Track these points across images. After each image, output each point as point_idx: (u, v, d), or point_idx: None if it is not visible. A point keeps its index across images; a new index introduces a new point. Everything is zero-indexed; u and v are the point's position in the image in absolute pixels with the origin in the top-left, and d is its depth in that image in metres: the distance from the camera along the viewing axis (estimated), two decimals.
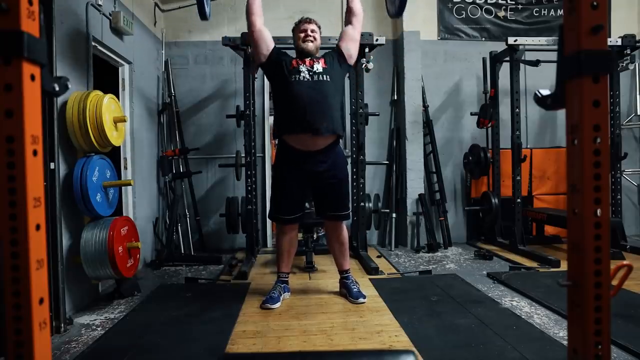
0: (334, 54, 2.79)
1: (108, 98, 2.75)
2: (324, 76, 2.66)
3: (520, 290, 2.95)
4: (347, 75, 2.90)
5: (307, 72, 2.65)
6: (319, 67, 2.68)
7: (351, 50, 2.80)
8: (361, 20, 2.82)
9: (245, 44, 3.74)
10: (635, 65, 4.97)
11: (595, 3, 0.92)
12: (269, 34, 2.75)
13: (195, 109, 4.87)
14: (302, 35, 2.77)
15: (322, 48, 2.92)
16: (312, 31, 2.77)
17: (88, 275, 2.70)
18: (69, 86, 1.00)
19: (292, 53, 2.84)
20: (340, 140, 2.81)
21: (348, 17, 2.84)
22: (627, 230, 4.49)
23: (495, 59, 4.58)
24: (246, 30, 3.14)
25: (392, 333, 2.24)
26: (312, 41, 2.76)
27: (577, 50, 0.93)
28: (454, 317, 2.44)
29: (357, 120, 4.13)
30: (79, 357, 2.03)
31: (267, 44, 2.72)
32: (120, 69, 3.74)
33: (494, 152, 4.66)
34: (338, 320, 2.45)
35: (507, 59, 4.33)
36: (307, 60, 2.71)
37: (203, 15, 2.85)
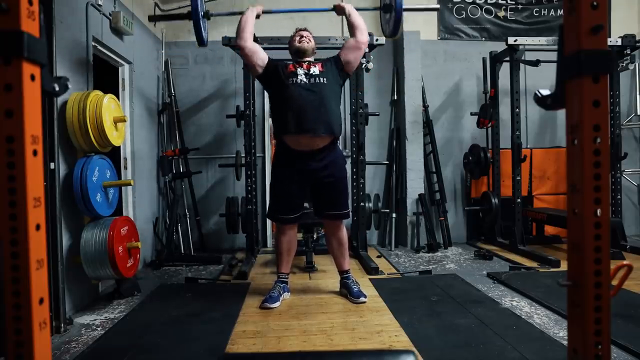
0: (332, 60, 2.82)
1: (108, 98, 2.75)
2: (321, 79, 2.68)
3: (520, 290, 2.95)
4: (345, 82, 2.89)
5: (304, 75, 2.67)
6: (315, 70, 2.70)
7: (349, 56, 2.80)
8: (364, 31, 2.80)
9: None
10: (635, 65, 4.97)
11: (595, 3, 0.92)
12: (260, 48, 2.78)
13: (195, 109, 4.87)
14: (298, 37, 2.83)
15: (321, 48, 2.93)
16: (307, 35, 2.84)
17: (88, 275, 2.70)
18: (69, 86, 1.00)
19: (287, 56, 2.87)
20: (339, 140, 2.82)
21: (351, 31, 2.85)
22: (627, 230, 4.49)
23: (495, 59, 4.58)
24: None
25: (392, 333, 2.24)
26: (307, 42, 2.81)
27: (577, 50, 0.94)
28: (454, 317, 2.44)
29: (357, 120, 4.13)
30: (79, 357, 2.03)
31: (261, 58, 2.73)
32: (120, 69, 3.74)
33: (494, 152, 4.66)
34: (338, 320, 2.45)
35: (507, 59, 4.33)
36: (305, 64, 2.73)
37: (201, 42, 2.86)
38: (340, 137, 2.96)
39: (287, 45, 2.98)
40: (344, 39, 3.80)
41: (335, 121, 2.69)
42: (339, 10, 2.90)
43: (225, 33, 4.26)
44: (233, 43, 3.84)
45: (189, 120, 4.82)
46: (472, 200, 5.00)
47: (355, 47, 2.80)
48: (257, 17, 2.82)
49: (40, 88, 0.91)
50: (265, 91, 4.68)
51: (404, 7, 2.81)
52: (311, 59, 2.82)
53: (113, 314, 2.67)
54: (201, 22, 2.80)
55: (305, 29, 2.88)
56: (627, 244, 4.14)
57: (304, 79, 2.66)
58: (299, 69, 2.69)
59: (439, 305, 2.65)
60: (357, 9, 2.88)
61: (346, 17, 2.84)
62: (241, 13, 2.80)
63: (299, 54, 2.79)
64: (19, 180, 0.86)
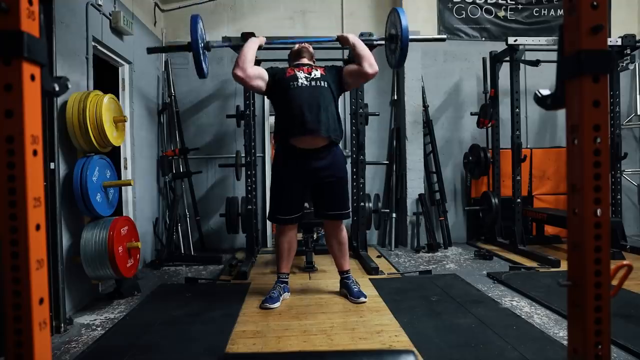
0: (334, 69, 2.81)
1: (108, 98, 2.75)
2: (322, 82, 2.69)
3: (520, 290, 2.95)
4: (340, 94, 2.85)
5: (304, 78, 2.68)
6: (317, 73, 2.71)
7: (350, 80, 2.78)
8: (373, 64, 2.67)
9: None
10: (635, 65, 4.97)
11: (595, 3, 0.92)
12: (258, 68, 2.72)
13: (195, 109, 4.87)
14: (297, 45, 2.87)
15: (322, 48, 2.93)
16: (306, 44, 2.87)
17: (88, 275, 2.70)
18: (69, 86, 1.00)
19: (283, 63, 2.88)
20: (338, 143, 2.81)
21: (358, 62, 2.71)
22: (627, 230, 4.48)
23: (495, 59, 4.58)
24: (247, 30, 3.14)
25: (392, 333, 2.24)
26: (307, 45, 2.85)
27: (577, 50, 0.94)
28: (454, 317, 2.44)
29: (357, 120, 4.12)
30: (79, 357, 2.03)
31: (264, 77, 2.70)
32: (120, 69, 3.74)
33: (494, 152, 4.66)
34: (338, 320, 2.45)
35: (507, 59, 4.33)
36: (305, 67, 2.74)
37: (201, 74, 2.79)
38: None
39: (288, 45, 2.98)
40: None
41: (335, 125, 2.69)
42: (342, 40, 2.82)
43: (225, 33, 4.27)
44: (232, 73, 3.82)
45: (189, 120, 4.82)
46: (472, 200, 5.00)
47: (358, 74, 2.73)
48: (259, 48, 2.78)
49: (40, 88, 0.91)
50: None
51: (410, 37, 2.72)
52: (311, 63, 2.83)
53: (113, 314, 2.67)
54: (201, 53, 2.72)
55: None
56: (627, 244, 4.14)
57: (305, 82, 2.66)
58: (299, 72, 2.69)
59: (439, 305, 2.65)
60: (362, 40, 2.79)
61: (351, 49, 2.78)
62: (241, 46, 2.72)
63: (298, 56, 2.81)
64: (19, 180, 0.86)
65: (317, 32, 4.80)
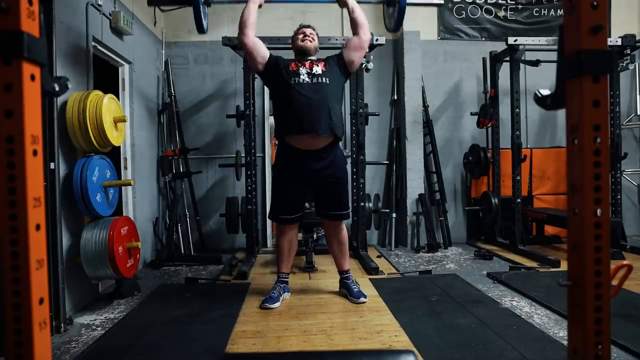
0: (335, 58, 2.80)
1: (108, 98, 2.75)
2: (323, 79, 2.67)
3: (520, 290, 2.95)
4: (346, 80, 2.88)
5: (306, 74, 2.66)
6: (318, 69, 2.69)
7: (353, 57, 2.78)
8: (367, 29, 2.77)
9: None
10: (635, 65, 4.97)
11: (595, 3, 0.92)
12: (262, 44, 2.75)
13: (195, 109, 4.87)
14: (301, 36, 2.80)
15: (322, 48, 2.92)
16: (311, 33, 2.81)
17: (88, 275, 2.70)
18: (69, 86, 1.00)
19: (289, 55, 2.85)
20: (340, 141, 2.81)
21: (354, 28, 2.79)
22: (627, 230, 4.48)
23: (495, 59, 4.58)
24: None
25: (392, 333, 2.24)
26: (310, 41, 2.78)
27: (577, 50, 0.94)
28: (454, 317, 2.44)
29: (357, 120, 4.12)
30: (79, 357, 2.03)
31: (262, 54, 2.71)
32: (120, 69, 3.74)
33: (494, 152, 4.66)
34: (338, 320, 2.45)
35: (507, 59, 4.33)
36: (307, 62, 2.72)
37: (200, 29, 2.81)
38: None
39: (288, 45, 2.97)
40: (344, 39, 3.81)
41: (338, 122, 2.68)
42: (341, 2, 2.84)
43: (225, 33, 4.27)
44: (234, 43, 3.85)
45: (189, 120, 4.82)
46: (472, 200, 5.00)
47: (359, 47, 2.77)
48: (260, 6, 2.78)
49: (40, 88, 0.91)
50: (266, 90, 4.70)
51: (407, 1, 2.75)
52: (314, 57, 2.80)
53: (113, 314, 2.67)
54: (201, 8, 2.73)
55: (309, 26, 2.85)
56: (627, 244, 4.14)
57: (307, 79, 2.65)
58: (301, 68, 2.68)
59: (439, 305, 2.65)
60: (359, 2, 2.82)
61: (349, 12, 2.80)
62: (244, 1, 2.75)
63: (302, 53, 2.78)
64: (19, 180, 0.86)
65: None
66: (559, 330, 2.27)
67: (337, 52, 2.87)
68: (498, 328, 2.25)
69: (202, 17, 2.75)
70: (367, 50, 2.78)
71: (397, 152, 4.89)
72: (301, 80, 2.64)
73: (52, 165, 2.34)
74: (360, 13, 2.78)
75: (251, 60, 2.74)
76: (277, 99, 2.78)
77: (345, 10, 2.88)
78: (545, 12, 5.20)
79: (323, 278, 3.38)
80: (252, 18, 2.69)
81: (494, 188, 4.67)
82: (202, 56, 4.88)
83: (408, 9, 2.77)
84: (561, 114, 1.33)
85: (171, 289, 3.22)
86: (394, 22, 2.87)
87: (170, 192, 4.42)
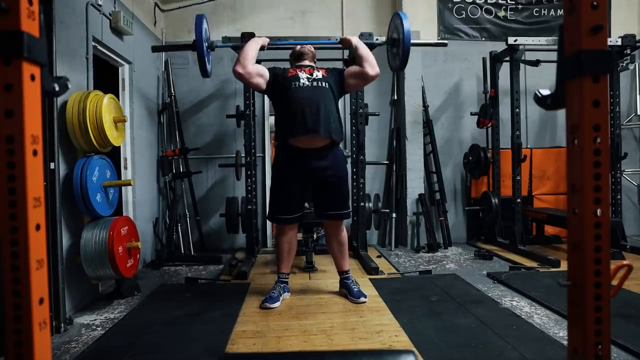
0: (336, 71, 2.82)
1: (108, 98, 2.75)
2: (323, 83, 2.69)
3: (520, 290, 2.95)
4: (341, 96, 2.86)
5: (306, 79, 2.68)
6: (318, 74, 2.71)
7: (351, 82, 2.78)
8: (374, 66, 2.69)
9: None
10: (635, 65, 4.97)
11: (595, 3, 0.92)
12: (259, 67, 2.73)
13: (195, 109, 4.87)
14: (299, 47, 2.86)
15: (322, 48, 2.93)
16: (310, 49, 2.86)
17: (88, 275, 2.70)
18: (69, 86, 1.00)
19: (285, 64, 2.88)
20: (339, 144, 2.81)
21: (359, 64, 2.73)
22: (627, 230, 4.48)
23: (495, 59, 4.58)
24: (246, 30, 3.14)
25: (392, 333, 2.24)
26: (309, 47, 2.85)
27: (577, 50, 0.94)
28: (454, 317, 2.44)
29: (357, 120, 4.12)
30: (79, 357, 2.03)
31: (264, 77, 2.70)
32: (120, 69, 3.74)
33: (494, 152, 4.66)
34: (338, 320, 2.45)
35: (507, 59, 4.33)
36: (307, 69, 2.74)
37: (205, 74, 2.82)
38: None
39: (288, 45, 2.98)
40: None
41: (336, 126, 2.68)
42: (345, 43, 2.85)
43: (225, 33, 4.27)
44: (233, 70, 3.81)
45: (189, 120, 4.82)
46: (472, 200, 5.00)
47: (360, 76, 2.73)
48: (262, 49, 2.78)
49: (40, 88, 0.91)
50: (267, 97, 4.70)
51: (412, 42, 2.74)
52: (313, 64, 2.83)
53: (113, 314, 2.67)
54: (205, 53, 2.73)
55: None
56: (627, 244, 4.14)
57: (307, 82, 2.66)
58: (300, 73, 2.70)
59: (439, 305, 2.65)
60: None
61: (353, 51, 2.79)
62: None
63: (298, 57, 2.81)
64: (19, 180, 0.86)
65: (317, 32, 4.80)
66: (559, 330, 2.27)
67: (337, 54, 2.87)
68: (498, 328, 2.25)
69: (207, 62, 2.76)
70: (367, 80, 2.74)
71: (397, 152, 4.89)
72: (301, 84, 2.66)
73: (52, 165, 2.34)
74: (364, 49, 2.74)
75: (255, 86, 2.71)
76: (278, 104, 2.80)
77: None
78: (545, 12, 5.20)
79: (323, 278, 3.38)
80: (252, 53, 2.66)
81: (494, 188, 4.67)
82: None
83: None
84: (561, 114, 1.33)
85: (171, 289, 3.22)
86: (399, 63, 2.86)
87: (170, 192, 4.42)
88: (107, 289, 3.10)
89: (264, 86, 2.71)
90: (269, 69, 2.75)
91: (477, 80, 5.05)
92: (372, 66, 2.69)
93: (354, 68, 2.78)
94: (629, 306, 2.52)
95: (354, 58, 2.79)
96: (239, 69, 2.60)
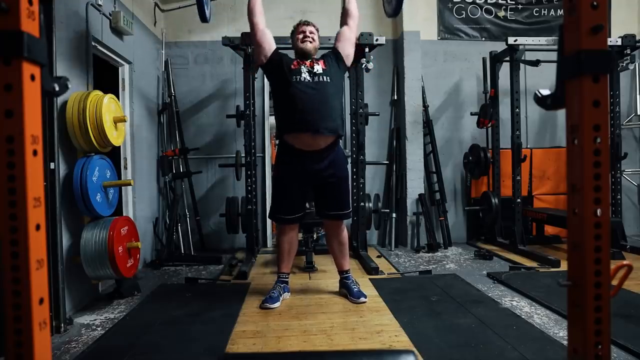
0: (332, 55, 2.81)
1: (108, 98, 2.75)
2: (324, 77, 2.68)
3: (520, 290, 2.95)
4: (347, 75, 2.90)
5: (307, 73, 2.66)
6: (318, 68, 2.69)
7: (348, 50, 2.82)
8: (357, 21, 2.85)
9: (245, 43, 3.72)
10: (635, 65, 4.97)
11: (595, 3, 0.92)
12: (271, 35, 2.78)
13: (195, 109, 4.87)
14: (301, 36, 2.79)
15: (321, 48, 2.93)
16: (311, 32, 2.80)
17: (88, 275, 2.70)
18: (69, 86, 1.00)
19: (291, 54, 2.85)
20: (340, 140, 2.81)
21: (344, 18, 2.88)
22: (627, 230, 4.48)
23: (495, 59, 4.58)
24: (246, 31, 3.14)
25: (392, 333, 2.24)
26: (310, 42, 2.78)
27: (577, 50, 0.94)
28: (454, 317, 2.44)
29: (357, 120, 4.12)
30: (79, 357, 2.03)
31: (270, 46, 2.74)
32: (120, 69, 3.74)
33: (494, 152, 4.65)
34: (338, 320, 2.45)
35: (507, 59, 4.33)
36: (307, 61, 2.72)
37: (203, 18, 2.84)
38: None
39: (288, 45, 2.97)
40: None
41: (338, 120, 2.70)
42: None
43: (225, 33, 4.27)
44: (234, 43, 3.84)
45: (189, 120, 4.82)
46: (472, 200, 5.00)
47: (352, 40, 2.83)
48: None
49: (40, 88, 0.91)
50: (266, 90, 4.70)
51: None
52: (314, 56, 2.80)
53: (113, 314, 2.67)
54: None
55: (309, 23, 2.84)
56: (627, 244, 4.14)
57: (308, 77, 2.65)
58: (302, 67, 2.69)
59: (439, 305, 2.65)
60: None
61: (344, 2, 2.86)
62: None
63: (302, 55, 2.78)
64: (19, 180, 0.86)
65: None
66: (559, 330, 2.27)
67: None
68: (498, 328, 2.25)
69: (205, 5, 2.76)
70: (368, 50, 2.82)
71: (397, 152, 4.89)
72: (302, 79, 2.64)
73: (52, 165, 2.34)
74: (354, 4, 2.83)
75: (257, 49, 2.77)
76: (278, 96, 2.79)
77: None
78: (545, 12, 5.20)
79: (323, 278, 3.38)
80: (258, 6, 2.73)
81: (494, 188, 4.67)
82: (202, 56, 4.87)
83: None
84: (561, 114, 1.33)
85: (171, 289, 3.22)
86: (394, 6, 2.89)
87: (170, 192, 4.42)
88: (107, 289, 3.10)
89: (264, 59, 2.75)
90: (277, 51, 2.77)
91: (477, 80, 5.05)
92: (355, 20, 2.85)
93: (342, 33, 2.86)
94: (629, 306, 2.52)
95: (343, 11, 2.89)
96: (253, 19, 2.73)
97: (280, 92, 2.74)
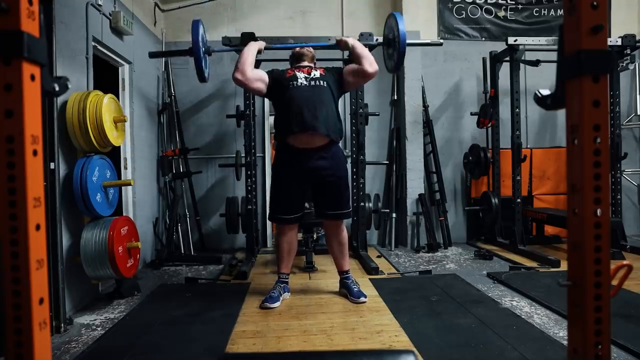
0: (334, 70, 2.84)
1: (108, 98, 2.75)
2: (321, 82, 2.71)
3: (520, 290, 2.95)
4: (340, 96, 2.86)
5: (304, 78, 2.70)
6: (316, 73, 2.73)
7: (350, 79, 2.78)
8: (373, 62, 2.68)
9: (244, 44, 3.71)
10: (635, 65, 4.97)
11: (595, 3, 0.92)
12: (258, 71, 2.75)
13: (195, 109, 4.87)
14: (298, 48, 2.89)
15: (318, 59, 2.95)
16: (309, 50, 2.89)
17: (88, 275, 2.70)
18: (69, 86, 1.00)
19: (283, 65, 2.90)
20: (338, 142, 2.81)
21: (357, 62, 2.72)
22: (627, 230, 4.48)
23: (495, 59, 4.58)
24: (246, 30, 3.15)
25: (392, 333, 2.24)
26: (308, 49, 2.87)
27: (577, 50, 0.94)
28: (454, 317, 2.44)
29: (357, 120, 4.12)
30: (79, 357, 2.03)
31: (264, 81, 2.72)
32: (120, 69, 3.74)
33: (494, 152, 4.66)
34: (338, 320, 2.45)
35: (507, 59, 4.33)
36: (305, 69, 2.76)
37: (202, 79, 2.82)
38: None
39: (286, 45, 2.98)
40: None
41: (334, 123, 2.70)
42: (341, 44, 2.84)
43: (225, 33, 4.27)
44: (234, 43, 3.84)
45: (189, 120, 4.82)
46: (472, 200, 5.00)
47: (359, 73, 2.73)
48: (259, 52, 2.79)
49: (40, 88, 0.91)
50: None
51: (407, 42, 2.73)
52: (312, 64, 2.84)
53: (113, 314, 2.67)
54: (202, 58, 2.73)
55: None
56: (627, 244, 4.14)
57: (305, 82, 2.69)
58: (298, 73, 2.72)
59: (439, 305, 2.65)
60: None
61: (350, 51, 2.79)
62: (240, 51, 2.76)
63: (297, 58, 2.84)
64: (19, 180, 0.86)
65: (317, 32, 4.80)
66: (559, 330, 2.27)
67: (337, 54, 2.88)
68: (498, 328, 2.25)
69: (204, 67, 2.76)
70: (366, 78, 2.74)
71: (397, 152, 4.89)
72: (299, 84, 2.68)
73: (52, 165, 2.34)
74: (361, 48, 2.74)
75: (255, 90, 2.76)
76: (277, 104, 2.81)
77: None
78: (545, 12, 5.20)
79: (323, 278, 3.38)
80: (250, 58, 2.67)
81: (494, 188, 4.67)
82: None
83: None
84: (561, 114, 1.33)
85: (171, 289, 3.22)
86: (394, 64, 2.87)
87: (170, 192, 4.42)
88: (107, 289, 3.10)
89: (264, 90, 2.73)
90: (268, 72, 2.76)
91: (477, 80, 5.05)
92: (370, 63, 2.68)
93: (352, 66, 2.79)
94: (629, 306, 2.52)
95: (353, 58, 2.79)
96: (239, 76, 2.61)
97: (279, 99, 2.75)
